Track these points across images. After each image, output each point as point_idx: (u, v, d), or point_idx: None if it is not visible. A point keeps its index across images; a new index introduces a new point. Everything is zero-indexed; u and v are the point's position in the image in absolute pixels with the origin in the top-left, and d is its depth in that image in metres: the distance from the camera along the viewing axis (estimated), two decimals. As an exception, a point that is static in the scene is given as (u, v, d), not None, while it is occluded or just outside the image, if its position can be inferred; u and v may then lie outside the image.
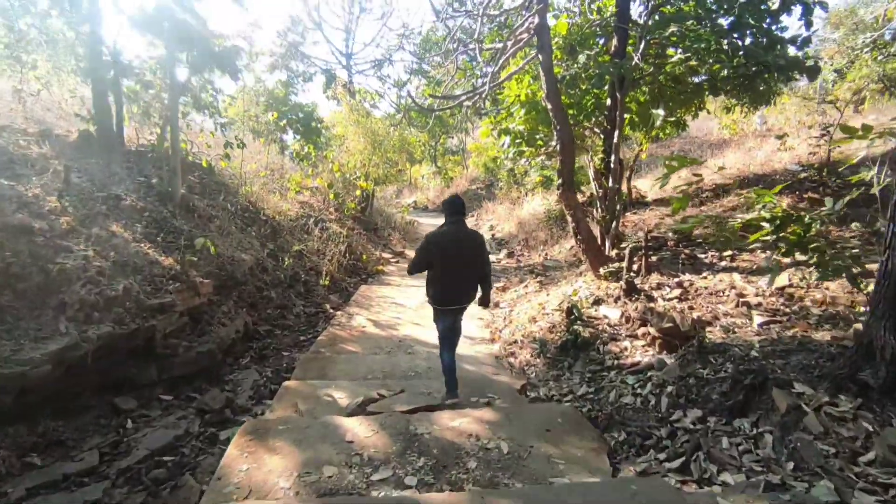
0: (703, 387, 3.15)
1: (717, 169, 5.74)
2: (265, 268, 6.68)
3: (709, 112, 13.07)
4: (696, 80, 6.39)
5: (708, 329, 4.00)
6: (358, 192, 11.12)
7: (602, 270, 5.69)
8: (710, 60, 5.77)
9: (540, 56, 6.03)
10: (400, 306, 6.83)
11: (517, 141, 7.03)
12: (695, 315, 4.42)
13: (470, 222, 18.35)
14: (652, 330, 4.46)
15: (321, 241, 8.39)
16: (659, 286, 5.13)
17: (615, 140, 6.33)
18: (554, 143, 6.24)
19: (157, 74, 7.53)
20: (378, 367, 4.55)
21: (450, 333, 3.76)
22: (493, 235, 14.85)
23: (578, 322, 4.74)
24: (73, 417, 3.44)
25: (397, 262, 10.72)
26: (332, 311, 6.55)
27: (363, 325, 6.01)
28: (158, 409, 3.66)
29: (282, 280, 6.87)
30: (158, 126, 7.52)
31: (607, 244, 6.38)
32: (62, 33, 9.76)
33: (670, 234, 7.87)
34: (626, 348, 4.44)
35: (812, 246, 2.84)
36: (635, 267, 5.67)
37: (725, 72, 5.50)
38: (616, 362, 4.18)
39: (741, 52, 5.31)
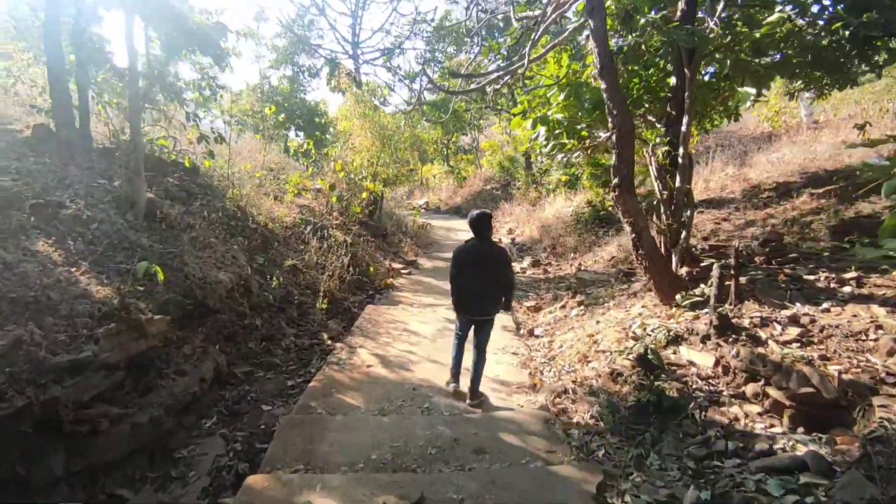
0: (934, 532, 1.85)
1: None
2: (249, 288, 5.47)
3: (766, 98, 11.58)
4: (784, 52, 5.03)
5: (876, 401, 2.68)
6: (364, 195, 9.87)
7: (679, 298, 4.37)
8: (816, 23, 4.44)
9: (590, 22, 4.75)
10: (413, 335, 5.58)
11: (556, 132, 5.72)
12: (833, 370, 3.10)
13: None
14: (773, 392, 3.15)
15: (321, 252, 7.16)
16: (763, 322, 3.80)
17: (683, 128, 5.02)
18: (607, 133, 4.94)
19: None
20: (386, 439, 3.29)
21: (463, 338, 4.15)
22: (512, 240, 13.50)
23: (662, 376, 3.44)
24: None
25: (409, 273, 9.46)
26: (329, 342, 5.31)
27: (368, 364, 4.76)
28: (50, 532, 2.42)
29: (270, 303, 5.65)
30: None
31: (674, 260, 5.06)
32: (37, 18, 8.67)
33: (738, 244, 6.49)
34: (736, 417, 3.14)
35: None
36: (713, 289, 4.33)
37: (847, 33, 4.13)
38: (730, 444, 2.88)
39: (874, 10, 3.93)
